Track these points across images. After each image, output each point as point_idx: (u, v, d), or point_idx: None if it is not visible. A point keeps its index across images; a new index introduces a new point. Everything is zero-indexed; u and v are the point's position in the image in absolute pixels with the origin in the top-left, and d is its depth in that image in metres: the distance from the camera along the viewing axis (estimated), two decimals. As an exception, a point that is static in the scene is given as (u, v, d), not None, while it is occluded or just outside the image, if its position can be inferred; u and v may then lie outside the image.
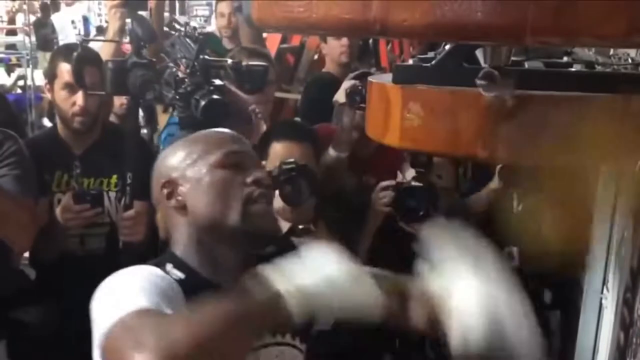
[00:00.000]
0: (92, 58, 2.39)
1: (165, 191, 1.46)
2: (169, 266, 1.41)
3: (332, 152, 2.51)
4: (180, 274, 1.40)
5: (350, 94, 2.49)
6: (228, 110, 1.84)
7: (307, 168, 2.14)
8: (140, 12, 2.40)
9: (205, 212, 1.41)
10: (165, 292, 1.29)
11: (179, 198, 1.44)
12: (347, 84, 2.63)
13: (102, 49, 2.76)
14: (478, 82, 0.92)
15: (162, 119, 2.86)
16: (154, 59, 2.22)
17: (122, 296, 1.25)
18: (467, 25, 0.72)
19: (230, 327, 1.15)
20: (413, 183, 2.40)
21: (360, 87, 2.42)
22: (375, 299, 1.22)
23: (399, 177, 2.52)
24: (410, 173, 2.46)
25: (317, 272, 1.20)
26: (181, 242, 1.46)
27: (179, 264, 1.42)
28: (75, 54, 2.30)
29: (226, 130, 1.58)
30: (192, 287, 1.35)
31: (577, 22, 0.71)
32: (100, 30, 10.65)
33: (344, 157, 2.51)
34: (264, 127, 2.52)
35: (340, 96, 2.61)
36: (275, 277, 1.18)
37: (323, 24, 0.82)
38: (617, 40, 0.79)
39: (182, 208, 1.44)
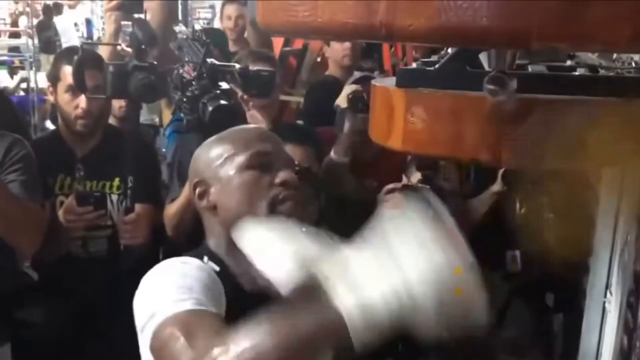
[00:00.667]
0: (93, 61, 2.39)
1: (197, 191, 1.49)
2: (205, 258, 1.45)
3: (333, 156, 2.51)
4: (215, 267, 1.43)
5: (352, 99, 2.49)
6: (236, 114, 1.84)
7: (310, 171, 2.14)
8: (137, 15, 2.40)
9: (234, 212, 1.43)
10: (208, 286, 1.31)
11: (210, 198, 1.48)
12: (348, 88, 2.63)
13: (100, 51, 2.77)
14: (487, 86, 0.91)
15: (166, 115, 2.86)
16: (155, 62, 2.22)
17: (169, 293, 1.27)
18: (472, 30, 0.72)
19: (288, 352, 1.00)
20: (419, 186, 2.41)
21: (362, 92, 2.43)
22: (482, 300, 0.91)
23: (404, 180, 2.52)
24: (416, 176, 2.47)
25: (392, 278, 0.90)
26: (214, 238, 1.49)
27: (214, 258, 1.46)
28: (76, 57, 2.31)
29: (256, 127, 1.59)
30: (226, 279, 1.39)
31: (583, 27, 0.71)
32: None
33: (346, 161, 2.51)
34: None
35: (341, 101, 2.61)
36: (337, 287, 0.94)
37: (328, 28, 0.82)
38: (623, 46, 0.79)
39: (213, 208, 1.47)
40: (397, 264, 0.88)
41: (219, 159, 1.48)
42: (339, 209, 2.43)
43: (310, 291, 0.97)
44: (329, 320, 0.94)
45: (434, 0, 0.72)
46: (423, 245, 0.88)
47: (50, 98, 2.68)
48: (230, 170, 1.46)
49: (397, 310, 0.88)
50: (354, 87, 2.63)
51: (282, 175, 1.44)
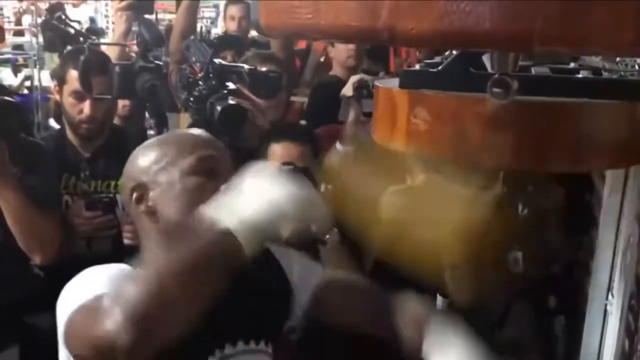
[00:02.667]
0: (99, 62, 2.39)
1: (134, 195, 1.43)
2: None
3: (339, 147, 2.51)
4: None
5: (357, 87, 2.50)
6: (245, 113, 1.84)
7: (307, 171, 2.14)
8: (147, 16, 2.41)
9: (177, 219, 1.37)
10: None
11: (149, 203, 1.41)
12: (354, 77, 2.65)
13: (107, 52, 2.78)
14: (491, 89, 0.91)
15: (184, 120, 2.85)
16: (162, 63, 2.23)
17: (85, 289, 1.25)
18: (475, 34, 0.72)
19: (186, 274, 1.14)
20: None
21: (367, 80, 2.43)
22: (324, 216, 1.24)
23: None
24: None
25: (260, 200, 1.16)
26: (150, 247, 1.43)
27: None
28: (82, 57, 2.31)
29: (200, 131, 1.54)
30: None
31: (585, 31, 0.71)
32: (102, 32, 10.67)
33: (351, 151, 2.51)
34: None
35: (347, 90, 2.63)
36: (219, 214, 1.16)
37: (331, 30, 0.82)
38: (625, 50, 0.79)
39: (152, 214, 1.41)
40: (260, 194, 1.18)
41: (160, 162, 1.42)
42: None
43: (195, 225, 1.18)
44: (218, 237, 1.14)
45: (437, 4, 0.72)
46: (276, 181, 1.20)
47: (56, 96, 2.68)
48: (174, 173, 1.40)
49: (265, 221, 1.16)
50: (359, 76, 2.65)
51: (229, 182, 1.34)
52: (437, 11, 0.72)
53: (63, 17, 2.73)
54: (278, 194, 1.18)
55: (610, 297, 1.84)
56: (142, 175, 1.43)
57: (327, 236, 2.22)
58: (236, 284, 1.29)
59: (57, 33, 2.61)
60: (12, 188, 2.16)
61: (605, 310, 1.87)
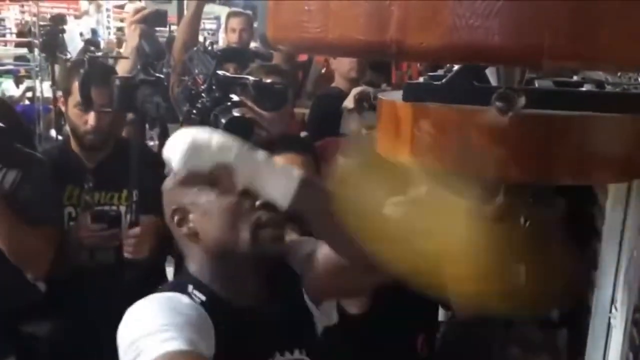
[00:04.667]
0: (101, 75, 2.38)
1: (176, 218, 1.46)
2: (190, 287, 1.42)
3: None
4: (201, 296, 1.40)
5: (358, 99, 2.51)
6: (250, 126, 1.83)
7: None
8: (157, 28, 2.41)
9: (216, 238, 1.41)
10: (198, 324, 1.29)
11: (190, 225, 1.44)
12: (355, 90, 2.66)
13: (119, 65, 2.78)
14: (495, 103, 0.91)
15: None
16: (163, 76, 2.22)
17: (154, 333, 1.24)
18: (484, 48, 0.72)
19: None
20: None
21: (368, 93, 2.44)
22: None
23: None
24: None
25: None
26: (196, 265, 1.47)
27: (199, 286, 1.43)
28: (82, 71, 2.30)
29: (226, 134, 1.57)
30: (213, 309, 1.37)
31: (595, 46, 0.71)
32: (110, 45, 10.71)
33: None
34: None
35: (349, 102, 2.63)
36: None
37: (339, 44, 0.82)
38: (635, 66, 0.79)
39: (194, 235, 1.44)
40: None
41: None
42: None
43: None
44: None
45: (445, 18, 0.72)
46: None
47: (62, 107, 2.68)
48: (209, 195, 1.42)
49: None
50: (361, 88, 2.65)
51: (263, 199, 1.40)
52: (446, 25, 0.72)
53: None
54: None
55: (613, 310, 1.84)
56: (182, 198, 1.45)
57: None
58: (266, 299, 1.37)
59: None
60: None
61: (609, 324, 1.86)
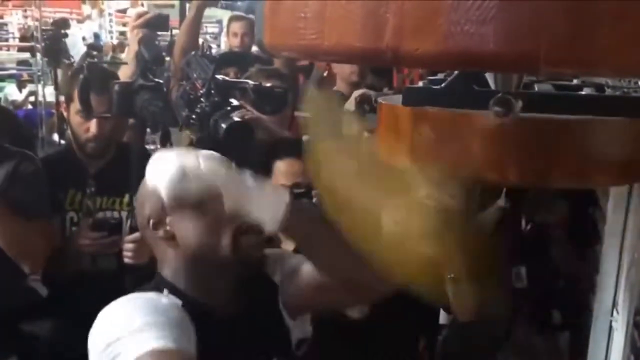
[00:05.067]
0: (101, 81, 2.37)
1: (151, 221, 1.42)
2: (165, 292, 1.38)
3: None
4: (177, 301, 1.36)
5: (359, 101, 2.51)
6: (250, 131, 1.82)
7: (311, 187, 2.13)
8: (159, 32, 2.40)
9: (196, 243, 1.38)
10: (179, 324, 1.26)
11: (167, 228, 1.40)
12: (356, 92, 2.66)
13: (122, 70, 2.77)
14: (493, 108, 0.92)
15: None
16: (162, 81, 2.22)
17: (134, 332, 1.21)
18: (479, 55, 0.72)
19: None
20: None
21: (369, 95, 2.43)
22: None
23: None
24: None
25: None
26: (171, 269, 1.43)
27: (174, 290, 1.39)
28: (81, 77, 2.30)
29: (214, 154, 1.54)
30: (191, 312, 1.33)
31: (592, 52, 0.71)
32: (113, 49, 10.72)
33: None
34: None
35: (349, 105, 2.63)
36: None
37: (335, 51, 0.82)
38: (633, 71, 0.79)
39: (171, 238, 1.40)
40: None
41: None
42: None
43: None
44: None
45: (440, 25, 0.72)
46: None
47: (64, 112, 2.68)
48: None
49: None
50: (362, 91, 2.65)
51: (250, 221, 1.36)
52: (441, 32, 0.72)
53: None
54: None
55: (615, 313, 1.84)
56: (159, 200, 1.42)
57: None
58: (242, 308, 1.35)
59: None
60: None
61: (610, 327, 1.86)
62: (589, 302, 2.15)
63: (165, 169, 1.34)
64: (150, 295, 1.36)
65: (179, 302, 1.36)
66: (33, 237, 2.24)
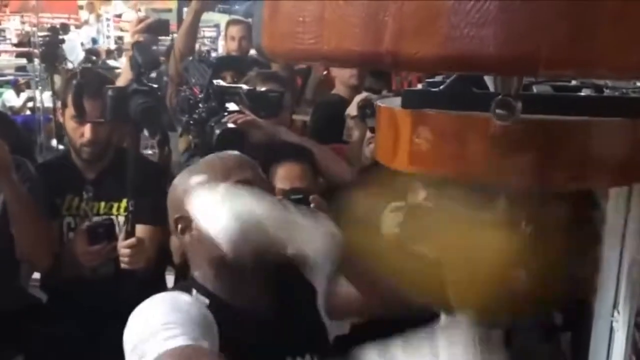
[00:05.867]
0: (95, 86, 2.37)
1: (179, 227, 1.46)
2: (193, 291, 1.44)
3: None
4: (205, 300, 1.42)
5: (361, 106, 2.51)
6: (244, 137, 1.83)
7: (308, 192, 2.13)
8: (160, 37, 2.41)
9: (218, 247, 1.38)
10: (200, 321, 1.29)
11: (194, 232, 1.45)
12: (358, 97, 2.66)
13: (121, 75, 2.78)
14: (495, 111, 0.91)
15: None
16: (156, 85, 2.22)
17: (155, 333, 1.24)
18: (479, 58, 0.72)
19: None
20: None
21: (371, 100, 2.44)
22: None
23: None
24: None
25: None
26: (200, 269, 1.48)
27: (202, 290, 1.44)
28: (74, 82, 2.30)
29: (235, 154, 1.56)
30: (217, 311, 1.37)
31: (592, 54, 0.70)
32: (111, 54, 10.73)
33: (356, 170, 2.52)
34: None
35: (352, 109, 2.63)
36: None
37: (334, 55, 0.82)
38: (633, 73, 0.79)
39: (198, 242, 1.44)
40: None
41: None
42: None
43: None
44: None
45: (440, 28, 0.72)
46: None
47: (60, 118, 2.69)
48: None
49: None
50: (364, 95, 2.66)
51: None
52: (440, 35, 0.72)
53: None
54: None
55: (616, 313, 1.83)
56: (183, 205, 1.44)
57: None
58: (276, 308, 1.40)
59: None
60: (14, 191, 2.19)
61: (612, 327, 1.86)
62: (591, 303, 2.15)
63: (218, 216, 1.26)
64: (172, 294, 1.40)
65: (205, 300, 1.41)
66: (43, 234, 2.25)
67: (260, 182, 1.49)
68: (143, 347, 1.23)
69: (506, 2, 0.71)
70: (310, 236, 1.28)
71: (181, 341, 1.21)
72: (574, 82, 1.31)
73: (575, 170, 1.10)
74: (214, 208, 1.26)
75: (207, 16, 9.16)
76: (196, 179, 1.48)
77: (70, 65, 7.10)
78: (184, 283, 1.50)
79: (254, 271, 1.45)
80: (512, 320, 2.68)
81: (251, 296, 1.46)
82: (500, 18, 0.70)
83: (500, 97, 0.94)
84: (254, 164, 1.54)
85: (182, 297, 1.37)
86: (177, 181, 1.53)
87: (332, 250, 1.30)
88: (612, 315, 1.87)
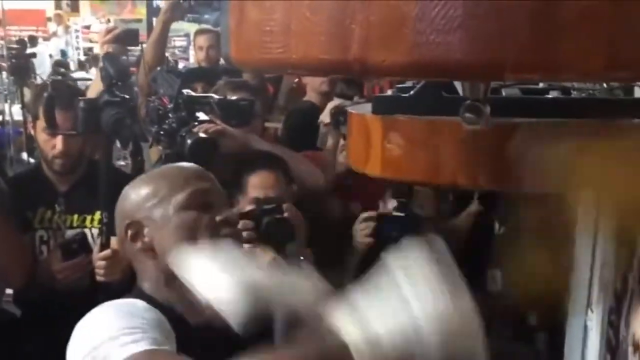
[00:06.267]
0: (66, 98, 2.35)
1: (129, 233, 1.43)
2: (142, 303, 1.38)
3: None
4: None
5: (334, 113, 2.52)
6: (216, 146, 1.82)
7: (281, 200, 2.12)
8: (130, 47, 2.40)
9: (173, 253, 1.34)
10: (157, 325, 1.27)
11: (145, 240, 1.41)
12: (331, 104, 2.67)
13: (91, 87, 2.75)
14: (464, 115, 0.92)
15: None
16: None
17: (114, 338, 1.21)
18: (446, 65, 0.72)
19: None
20: (394, 213, 2.40)
21: (344, 107, 2.45)
22: (481, 339, 0.98)
23: (381, 207, 2.53)
24: (392, 203, 2.46)
25: (399, 316, 0.93)
26: (149, 280, 1.43)
27: (152, 302, 1.39)
28: (45, 94, 2.29)
29: (191, 165, 1.54)
30: (170, 322, 1.33)
31: (557, 58, 0.71)
32: (82, 65, 10.65)
33: (330, 178, 2.52)
34: None
35: (325, 116, 2.64)
36: (346, 325, 0.95)
37: (302, 64, 0.82)
38: (597, 76, 0.80)
39: (149, 250, 1.41)
40: (405, 304, 0.92)
41: (153, 199, 1.42)
42: (324, 232, 2.43)
43: (311, 329, 1.00)
44: (334, 351, 0.94)
45: (406, 35, 0.73)
46: (430, 289, 0.93)
47: (32, 131, 2.67)
48: (168, 209, 1.40)
49: (401, 346, 0.91)
50: (337, 102, 2.66)
51: (223, 214, 1.40)
52: (407, 42, 0.72)
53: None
54: (427, 315, 0.92)
55: (589, 312, 1.85)
56: (136, 212, 1.43)
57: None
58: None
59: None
60: None
61: (586, 326, 1.87)
62: (565, 303, 2.16)
63: (218, 286, 1.15)
64: (126, 300, 1.37)
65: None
66: (18, 248, 2.23)
67: (217, 194, 1.47)
68: (99, 353, 1.19)
69: (471, 8, 0.71)
70: (301, 294, 1.24)
71: (144, 345, 1.18)
72: (541, 85, 1.33)
73: (546, 172, 1.11)
74: (215, 277, 1.15)
75: (177, 25, 9.12)
76: (152, 186, 1.45)
77: (39, 80, 7.03)
78: (132, 295, 1.43)
79: None
80: (485, 322, 2.69)
81: (199, 308, 1.43)
82: (466, 24, 0.71)
83: (468, 101, 0.94)
84: (211, 175, 1.51)
85: (138, 303, 1.34)
86: (130, 187, 1.49)
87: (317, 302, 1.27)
88: (586, 314, 1.89)
